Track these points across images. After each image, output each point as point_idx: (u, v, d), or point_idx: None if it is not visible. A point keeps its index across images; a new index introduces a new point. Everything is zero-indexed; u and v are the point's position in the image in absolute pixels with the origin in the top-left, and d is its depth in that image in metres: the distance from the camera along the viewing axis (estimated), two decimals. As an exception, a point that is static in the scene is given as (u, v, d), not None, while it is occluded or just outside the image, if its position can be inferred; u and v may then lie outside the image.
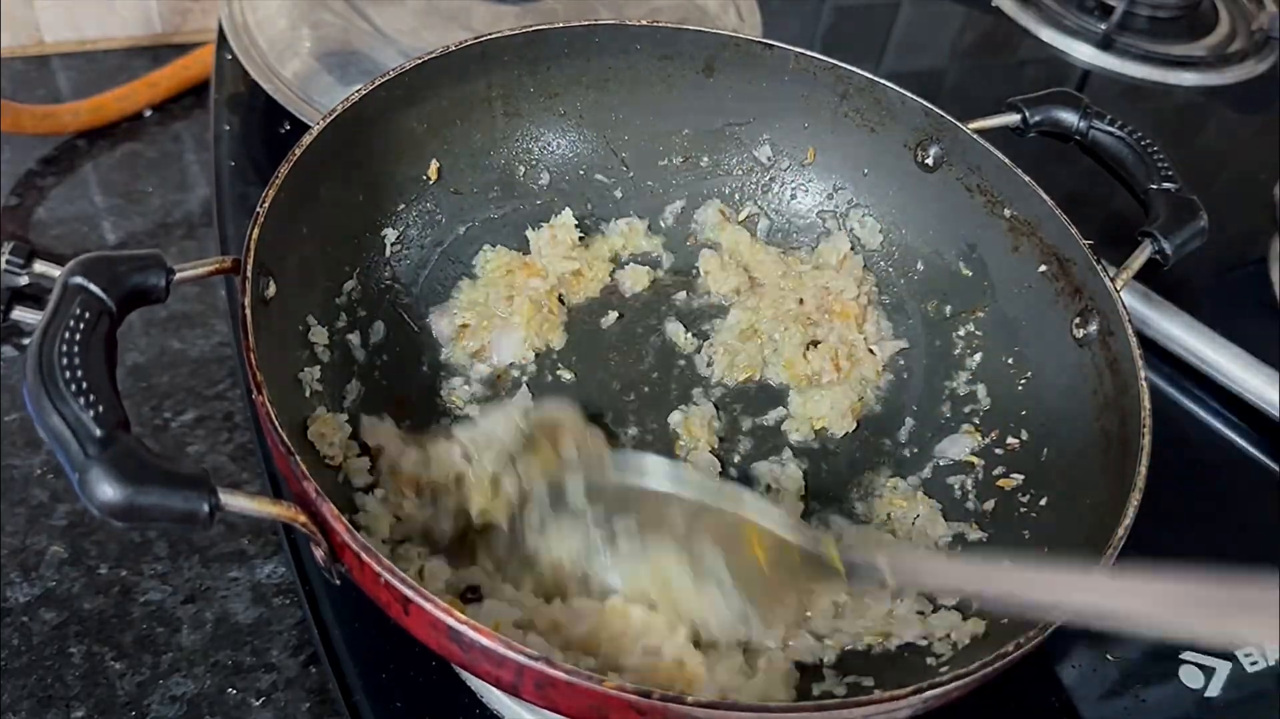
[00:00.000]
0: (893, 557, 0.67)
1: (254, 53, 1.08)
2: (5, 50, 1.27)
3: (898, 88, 0.90)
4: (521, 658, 0.53)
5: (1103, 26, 1.45)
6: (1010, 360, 0.86)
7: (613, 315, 0.92)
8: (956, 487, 0.84)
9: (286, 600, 0.84)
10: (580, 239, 0.94)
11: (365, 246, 0.85)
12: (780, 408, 0.89)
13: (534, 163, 0.95)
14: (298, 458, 0.59)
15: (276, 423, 0.60)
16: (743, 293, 0.94)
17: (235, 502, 0.55)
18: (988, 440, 0.85)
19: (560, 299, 0.91)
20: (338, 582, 0.62)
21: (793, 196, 0.99)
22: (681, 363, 0.90)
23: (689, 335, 0.91)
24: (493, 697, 0.74)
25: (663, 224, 0.98)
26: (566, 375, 0.87)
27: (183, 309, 1.04)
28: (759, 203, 0.99)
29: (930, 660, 0.71)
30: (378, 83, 0.80)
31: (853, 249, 0.96)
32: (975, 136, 0.87)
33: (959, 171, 0.89)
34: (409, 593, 0.55)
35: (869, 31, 1.48)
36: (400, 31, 1.11)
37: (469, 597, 0.70)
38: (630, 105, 0.95)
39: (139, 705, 0.77)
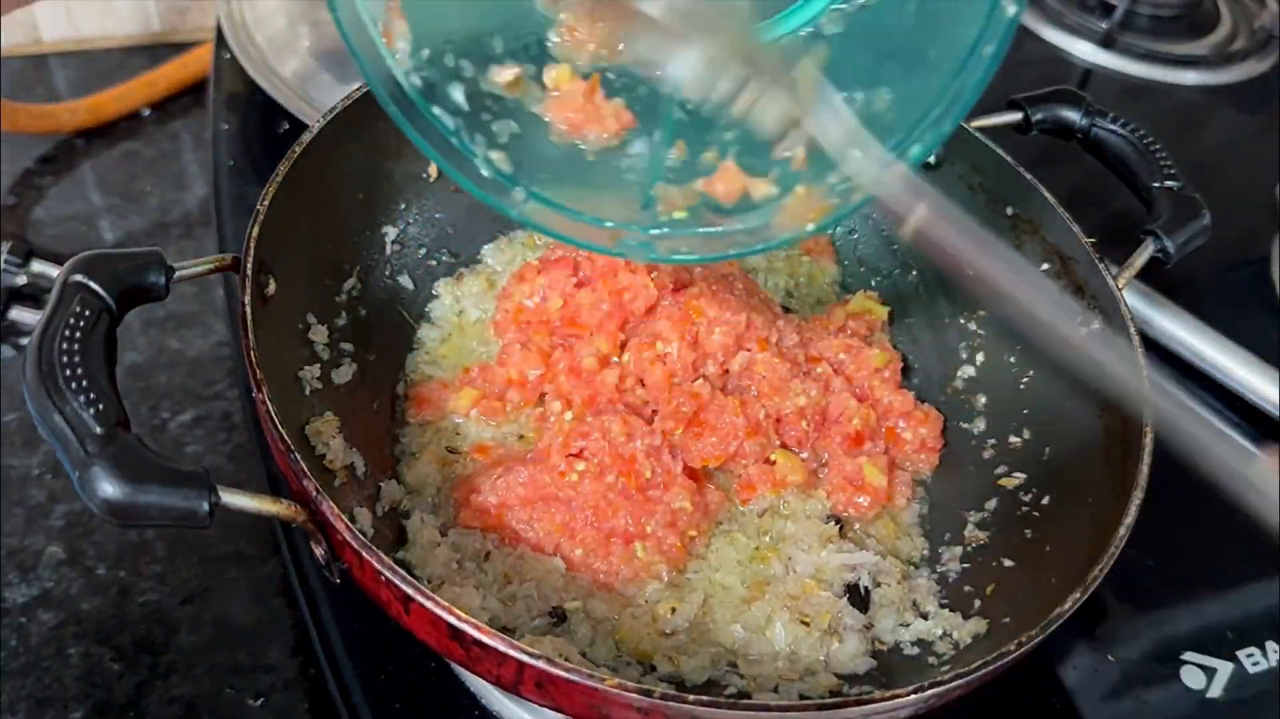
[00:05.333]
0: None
1: (252, 51, 1.08)
2: (4, 49, 1.27)
3: (899, 86, 0.90)
4: (523, 656, 0.53)
5: (1104, 25, 1.45)
6: (1012, 359, 0.86)
7: None
8: (958, 485, 0.83)
9: (285, 601, 0.83)
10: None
11: (365, 245, 0.85)
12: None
13: (534, 160, 0.95)
14: (297, 455, 0.59)
15: (276, 420, 0.60)
16: None
17: (235, 500, 0.55)
18: (990, 439, 0.85)
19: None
20: (338, 580, 0.61)
21: (793, 195, 0.98)
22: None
23: None
24: (492, 697, 0.74)
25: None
26: None
27: (181, 309, 1.03)
28: (759, 201, 0.99)
29: (931, 659, 0.71)
30: (377, 80, 0.80)
31: (854, 248, 0.96)
32: (977, 134, 0.87)
33: (961, 170, 0.89)
34: (410, 591, 0.55)
35: (869, 30, 1.48)
36: (400, 30, 1.11)
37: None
38: (631, 104, 0.95)
39: (137, 706, 0.77)
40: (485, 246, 0.92)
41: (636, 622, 0.71)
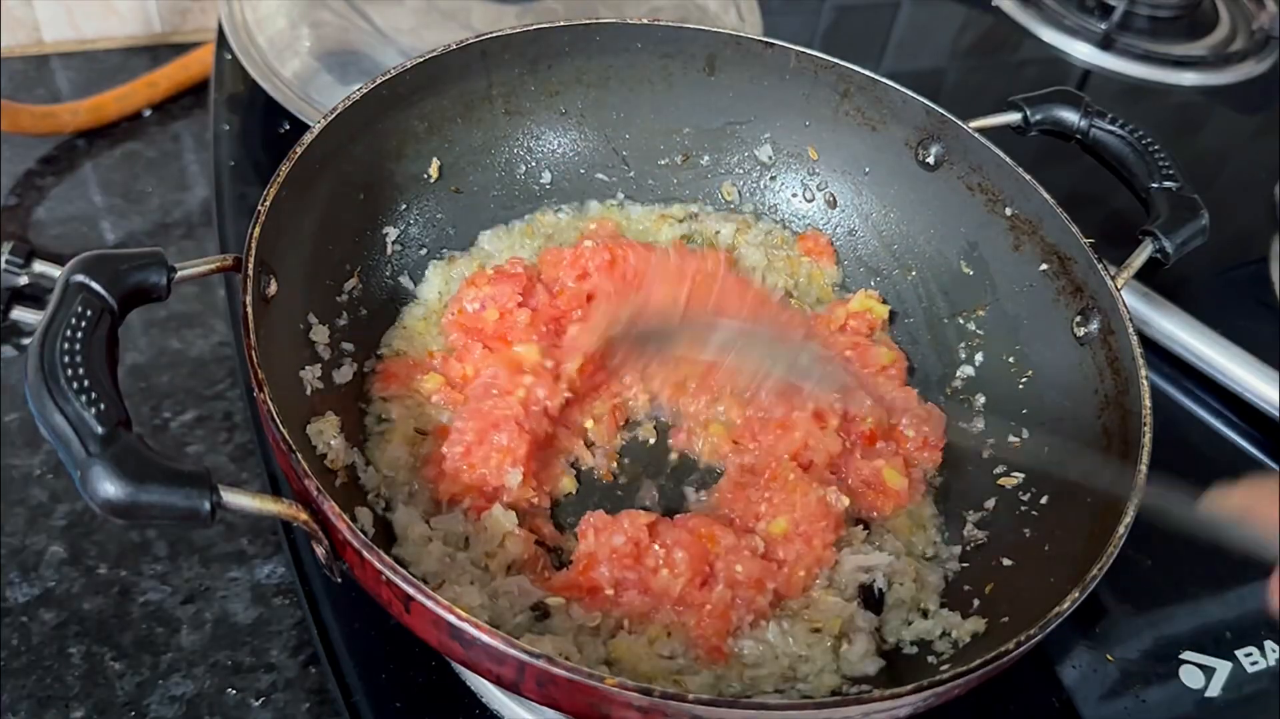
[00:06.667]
0: None
1: (253, 52, 1.08)
2: (4, 49, 1.27)
3: (899, 86, 0.90)
4: (523, 655, 0.53)
5: (1103, 26, 1.45)
6: (1011, 359, 0.86)
7: None
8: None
9: (286, 600, 0.83)
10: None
11: (366, 245, 0.85)
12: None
13: (535, 161, 0.95)
14: (299, 455, 0.59)
15: (278, 420, 0.60)
16: None
17: (236, 499, 0.55)
18: (989, 439, 0.85)
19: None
20: (339, 579, 0.62)
21: (794, 195, 0.99)
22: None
23: None
24: (492, 696, 0.74)
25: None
26: None
27: (182, 309, 1.03)
28: (759, 202, 0.99)
29: (931, 659, 0.71)
30: (379, 81, 0.80)
31: (854, 248, 0.97)
32: (976, 135, 0.87)
33: (960, 170, 0.89)
34: (410, 590, 0.55)
35: (869, 30, 1.48)
36: (400, 31, 1.11)
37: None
38: (631, 104, 0.95)
39: (138, 706, 0.77)
40: (483, 233, 0.93)
41: (635, 642, 0.71)
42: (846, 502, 0.78)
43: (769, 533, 0.75)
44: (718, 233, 0.97)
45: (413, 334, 0.86)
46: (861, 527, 0.80)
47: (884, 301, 0.94)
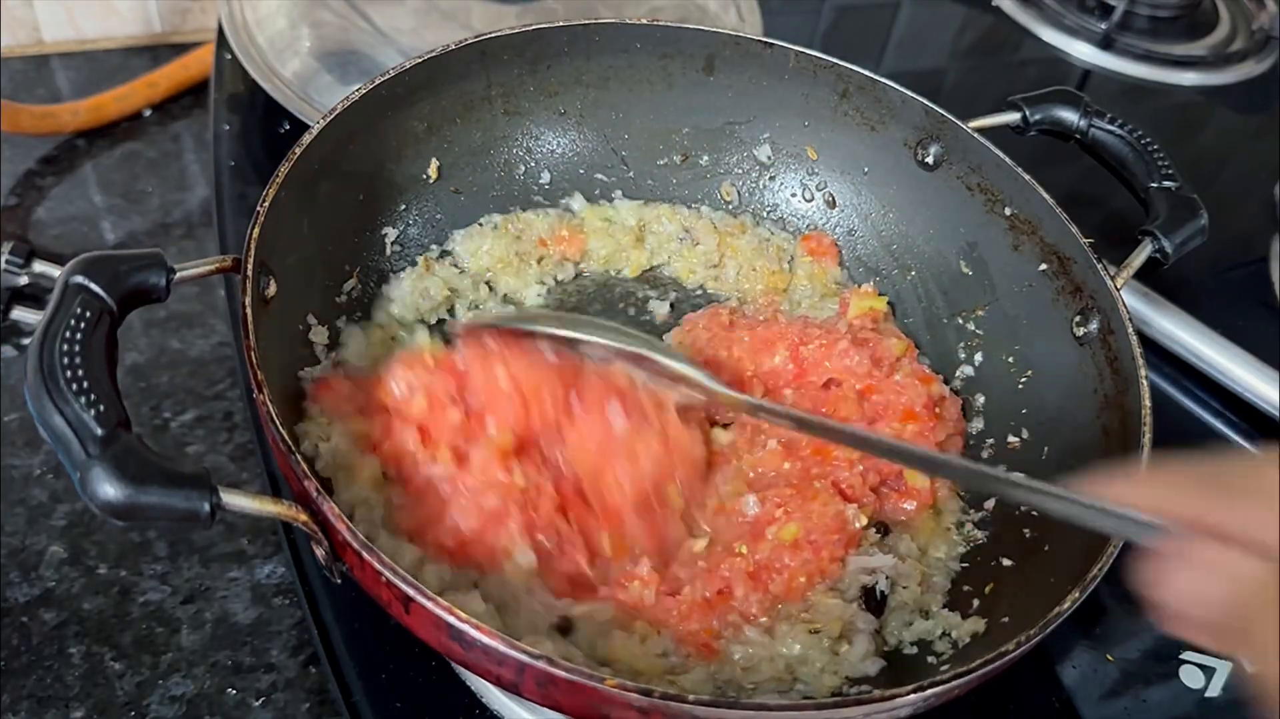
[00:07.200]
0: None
1: (253, 52, 1.08)
2: (5, 49, 1.27)
3: (898, 86, 0.90)
4: (523, 656, 0.53)
5: (1103, 26, 1.45)
6: (1011, 359, 0.86)
7: None
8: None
9: (286, 601, 0.84)
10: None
11: (365, 246, 0.85)
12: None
13: (534, 161, 0.95)
14: (298, 456, 0.59)
15: (277, 421, 0.60)
16: None
17: (236, 501, 0.55)
18: (989, 439, 0.85)
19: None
20: (339, 580, 0.62)
21: (793, 195, 0.99)
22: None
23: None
24: (492, 696, 0.74)
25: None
26: None
27: (182, 309, 1.03)
28: (758, 202, 0.99)
29: (931, 659, 0.71)
30: (378, 82, 0.81)
31: (854, 248, 0.97)
32: (975, 135, 0.87)
33: (959, 170, 0.89)
34: (410, 591, 0.55)
35: (869, 31, 1.48)
36: (400, 31, 1.11)
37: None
38: (630, 104, 0.95)
39: (138, 705, 0.77)
40: (456, 233, 0.91)
41: (629, 641, 0.70)
42: (864, 520, 0.78)
43: (779, 536, 0.75)
44: (697, 244, 0.97)
45: (365, 346, 0.81)
46: (874, 529, 0.80)
47: (880, 294, 0.94)
